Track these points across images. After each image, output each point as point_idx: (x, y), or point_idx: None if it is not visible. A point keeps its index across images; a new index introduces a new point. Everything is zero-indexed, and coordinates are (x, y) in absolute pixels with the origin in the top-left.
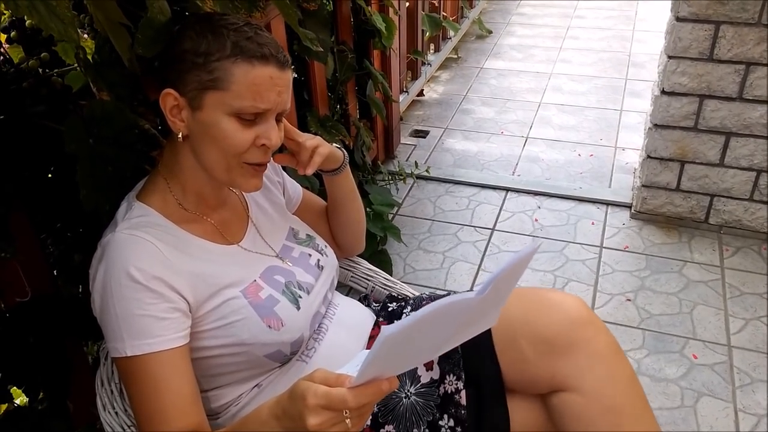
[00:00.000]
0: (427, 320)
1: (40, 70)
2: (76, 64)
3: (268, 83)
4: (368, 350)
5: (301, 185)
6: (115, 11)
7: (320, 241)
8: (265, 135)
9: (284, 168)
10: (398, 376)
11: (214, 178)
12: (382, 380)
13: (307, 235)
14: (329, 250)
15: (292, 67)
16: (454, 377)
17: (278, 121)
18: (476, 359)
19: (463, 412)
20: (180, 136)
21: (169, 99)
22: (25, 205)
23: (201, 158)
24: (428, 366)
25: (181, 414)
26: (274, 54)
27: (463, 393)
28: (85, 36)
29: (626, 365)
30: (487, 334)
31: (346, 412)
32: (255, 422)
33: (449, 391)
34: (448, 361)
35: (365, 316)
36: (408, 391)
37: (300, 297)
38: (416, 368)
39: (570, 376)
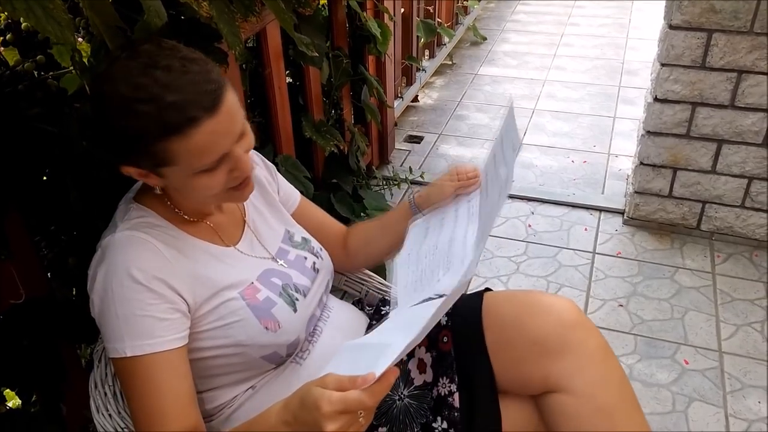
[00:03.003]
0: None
1: (36, 72)
2: (71, 67)
3: (210, 139)
4: (360, 342)
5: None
6: (112, 15)
7: (315, 244)
8: (235, 167)
9: (282, 173)
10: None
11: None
12: (389, 373)
13: (303, 238)
14: (324, 253)
15: (288, 71)
16: (447, 380)
17: (240, 137)
18: (469, 361)
19: (456, 414)
20: (157, 190)
21: (131, 172)
22: (19, 207)
23: (186, 198)
24: (421, 369)
25: (178, 415)
26: (200, 106)
27: (456, 395)
28: (80, 39)
29: (617, 367)
30: (480, 335)
31: (360, 412)
32: (263, 426)
33: (443, 394)
34: (441, 364)
35: (359, 319)
36: (401, 393)
37: (297, 299)
38: (410, 371)
39: (562, 377)
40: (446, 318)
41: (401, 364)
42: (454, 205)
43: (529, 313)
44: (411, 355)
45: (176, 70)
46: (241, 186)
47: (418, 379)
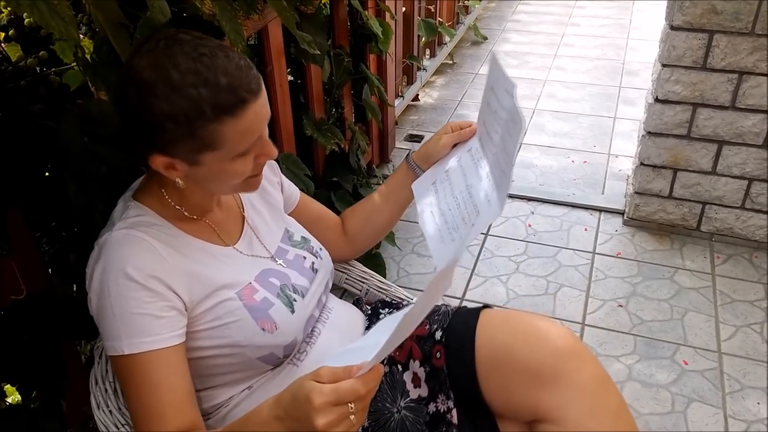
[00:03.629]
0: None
1: (38, 68)
2: (73, 63)
3: (254, 120)
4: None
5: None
6: (115, 11)
7: (315, 244)
8: (264, 153)
9: (282, 171)
10: (390, 391)
11: (214, 194)
12: (378, 365)
13: (302, 237)
14: (324, 253)
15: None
16: (444, 396)
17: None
18: (460, 381)
19: (454, 430)
20: (179, 182)
21: (160, 161)
22: (21, 203)
23: (204, 188)
24: (416, 383)
25: (177, 412)
26: (247, 86)
27: (454, 412)
28: (82, 36)
29: (613, 397)
30: (471, 358)
31: (351, 407)
32: (255, 422)
33: (441, 410)
34: (436, 380)
35: (358, 321)
36: (399, 405)
37: (295, 300)
38: (405, 382)
39: (554, 408)
40: (441, 332)
41: (397, 373)
42: (454, 157)
43: (522, 340)
44: (406, 367)
45: (221, 57)
46: (257, 174)
47: (413, 393)
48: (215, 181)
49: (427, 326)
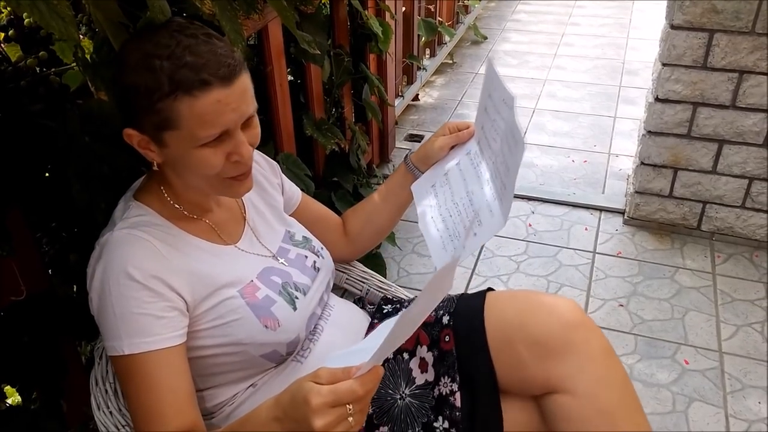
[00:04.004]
0: (425, 293)
1: (38, 68)
2: (73, 64)
3: (216, 108)
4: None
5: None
6: (115, 11)
7: (316, 243)
8: (235, 151)
9: (283, 171)
10: (393, 378)
11: (202, 192)
12: (377, 366)
13: (304, 237)
14: (325, 252)
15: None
16: (449, 379)
17: (247, 125)
18: (471, 361)
19: (457, 413)
20: (155, 165)
21: (133, 136)
22: (21, 203)
23: (183, 180)
24: (423, 368)
25: (177, 412)
26: (215, 72)
27: (457, 395)
28: (82, 36)
29: (619, 368)
30: (482, 335)
31: (349, 409)
32: (254, 423)
33: (444, 393)
34: (442, 364)
35: (360, 318)
36: (403, 392)
37: (296, 298)
38: (411, 369)
39: (564, 378)
40: (448, 317)
41: (402, 362)
42: (453, 159)
43: (531, 313)
44: (413, 354)
45: (200, 38)
46: (239, 177)
47: (420, 378)
48: (188, 171)
49: (433, 312)
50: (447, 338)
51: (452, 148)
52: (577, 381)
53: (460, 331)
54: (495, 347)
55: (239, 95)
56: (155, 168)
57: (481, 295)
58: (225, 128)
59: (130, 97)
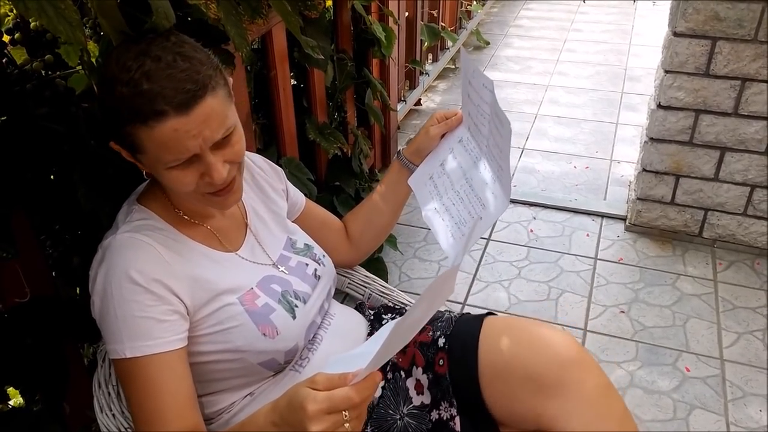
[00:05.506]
0: (424, 298)
1: (44, 72)
2: (78, 67)
3: (174, 137)
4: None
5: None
6: (119, 20)
7: (318, 251)
8: (207, 173)
9: (288, 174)
10: (394, 398)
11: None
12: (374, 373)
13: (305, 244)
14: (327, 260)
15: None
16: (447, 404)
17: (222, 145)
18: (463, 388)
19: None
20: (144, 173)
21: (117, 149)
22: (26, 206)
23: (169, 191)
24: (419, 390)
25: (178, 416)
26: (170, 101)
27: (457, 420)
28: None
29: (617, 407)
30: (474, 364)
31: (345, 416)
32: (251, 428)
33: (444, 418)
34: (438, 387)
35: (361, 327)
36: (402, 411)
37: (296, 306)
38: (408, 389)
39: (557, 417)
40: (444, 340)
41: (400, 380)
42: (446, 147)
43: (526, 347)
44: (409, 374)
45: (162, 62)
46: (220, 193)
47: (416, 399)
48: (168, 186)
49: (431, 333)
50: (441, 362)
51: (443, 137)
52: (570, 421)
53: (454, 354)
54: (487, 377)
55: (201, 122)
56: (146, 177)
57: (479, 320)
58: (189, 154)
59: (105, 116)
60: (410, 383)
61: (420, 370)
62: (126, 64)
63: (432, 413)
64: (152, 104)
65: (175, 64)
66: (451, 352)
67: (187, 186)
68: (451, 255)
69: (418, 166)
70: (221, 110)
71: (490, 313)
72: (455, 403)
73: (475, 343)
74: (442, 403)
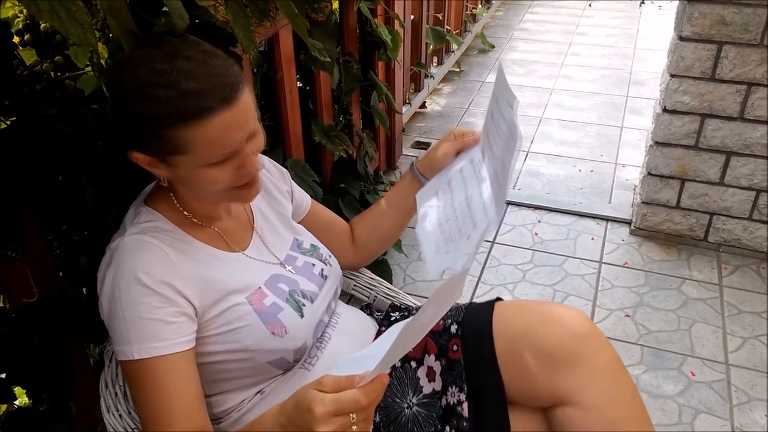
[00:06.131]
0: (432, 302)
1: (53, 73)
2: (88, 68)
3: (223, 132)
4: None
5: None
6: (128, 20)
7: (324, 251)
8: (242, 165)
9: (291, 177)
10: (401, 387)
11: (211, 202)
12: (382, 375)
13: (312, 245)
14: (333, 260)
15: (298, 76)
16: (457, 389)
17: (251, 137)
18: (478, 371)
19: (465, 423)
20: (165, 182)
21: (140, 159)
22: (34, 206)
23: (192, 192)
24: (431, 377)
25: (185, 417)
26: (218, 95)
27: (465, 405)
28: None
29: (628, 380)
30: (490, 345)
31: (353, 418)
32: (259, 429)
33: (451, 403)
34: (450, 373)
35: (367, 325)
36: (410, 401)
37: (304, 305)
38: (419, 378)
39: (572, 390)
40: (456, 326)
41: (410, 370)
42: (457, 166)
43: (539, 324)
44: (420, 362)
45: (197, 61)
46: (247, 186)
47: (427, 387)
48: (197, 187)
49: (441, 321)
50: (455, 348)
51: (458, 154)
52: (585, 393)
53: (468, 340)
54: (503, 357)
55: (242, 113)
56: (163, 184)
57: (490, 305)
58: (235, 147)
59: (134, 125)
60: (422, 372)
61: (432, 357)
62: (157, 67)
63: (442, 399)
64: (200, 102)
65: (210, 61)
66: (465, 337)
67: (223, 182)
68: (432, 267)
69: (428, 180)
70: (252, 102)
71: (498, 299)
72: (465, 387)
73: (488, 326)
74: (450, 387)
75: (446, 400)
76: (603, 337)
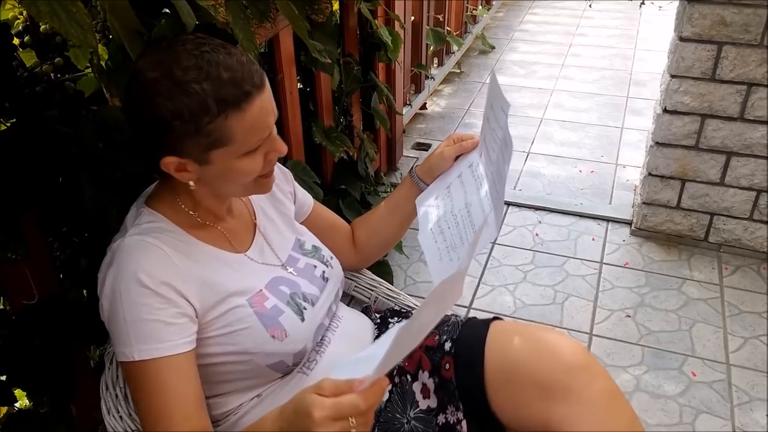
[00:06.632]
0: (430, 302)
1: (53, 74)
2: (88, 70)
3: (260, 115)
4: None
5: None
6: (132, 19)
7: (326, 253)
8: (273, 149)
9: (295, 177)
10: (401, 401)
11: (228, 197)
12: (381, 379)
13: (313, 246)
14: (335, 262)
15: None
16: (454, 408)
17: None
18: (469, 393)
19: None
20: (191, 184)
21: (171, 163)
22: (34, 208)
23: (215, 191)
24: (425, 394)
25: (185, 419)
26: (250, 79)
27: (463, 423)
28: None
29: (625, 410)
30: (480, 369)
31: (352, 422)
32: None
33: (450, 422)
34: (445, 391)
35: (368, 329)
36: (408, 415)
37: (305, 308)
38: (414, 393)
39: (565, 421)
40: (450, 344)
41: (407, 384)
42: (456, 171)
43: (533, 353)
44: (415, 377)
45: (222, 53)
46: (269, 174)
47: (423, 403)
48: (226, 182)
49: (437, 337)
50: (447, 366)
51: (457, 159)
52: (577, 426)
53: (460, 359)
54: (493, 382)
55: (269, 98)
56: (192, 186)
57: (485, 326)
58: (269, 131)
59: (171, 126)
60: (416, 387)
61: (426, 374)
62: (187, 64)
63: (439, 417)
64: (240, 88)
65: (233, 51)
66: (458, 356)
67: (256, 170)
68: (437, 276)
69: (428, 185)
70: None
71: (496, 318)
72: (461, 407)
73: (481, 348)
74: (449, 406)
75: (445, 418)
76: (598, 366)
